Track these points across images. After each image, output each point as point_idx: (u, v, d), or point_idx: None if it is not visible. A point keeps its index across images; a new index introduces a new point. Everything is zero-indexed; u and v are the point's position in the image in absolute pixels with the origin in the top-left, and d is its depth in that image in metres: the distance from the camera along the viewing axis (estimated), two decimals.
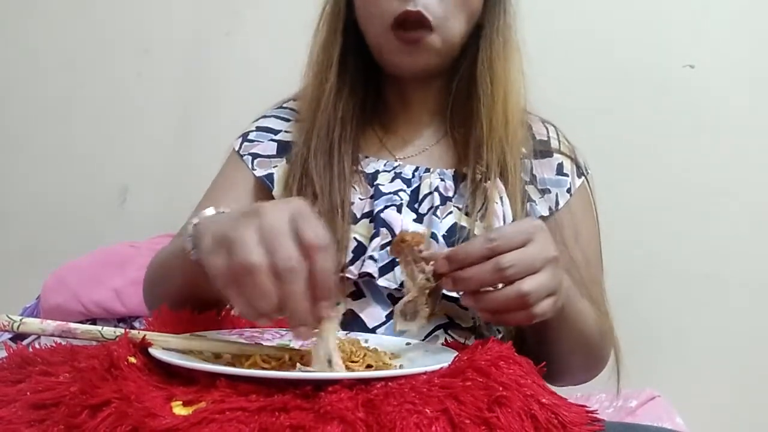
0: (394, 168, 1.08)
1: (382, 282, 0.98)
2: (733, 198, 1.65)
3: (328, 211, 1.01)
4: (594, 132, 1.59)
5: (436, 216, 1.01)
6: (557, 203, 1.08)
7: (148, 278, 1.04)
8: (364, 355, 0.76)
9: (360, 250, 1.00)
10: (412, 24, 1.01)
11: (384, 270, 0.98)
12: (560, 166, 1.11)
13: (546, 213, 1.06)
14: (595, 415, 0.70)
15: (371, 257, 0.98)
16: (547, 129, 1.15)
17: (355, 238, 1.00)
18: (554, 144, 1.13)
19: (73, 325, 0.73)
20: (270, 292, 0.63)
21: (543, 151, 1.11)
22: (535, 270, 0.76)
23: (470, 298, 0.78)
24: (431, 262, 0.79)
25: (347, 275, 0.98)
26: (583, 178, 1.12)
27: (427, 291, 0.80)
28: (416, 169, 1.08)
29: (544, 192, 1.08)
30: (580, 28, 1.71)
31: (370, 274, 0.97)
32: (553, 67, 1.67)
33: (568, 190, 1.09)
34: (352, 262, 0.99)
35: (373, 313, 0.99)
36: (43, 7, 1.94)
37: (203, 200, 1.12)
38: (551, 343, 0.94)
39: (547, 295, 0.77)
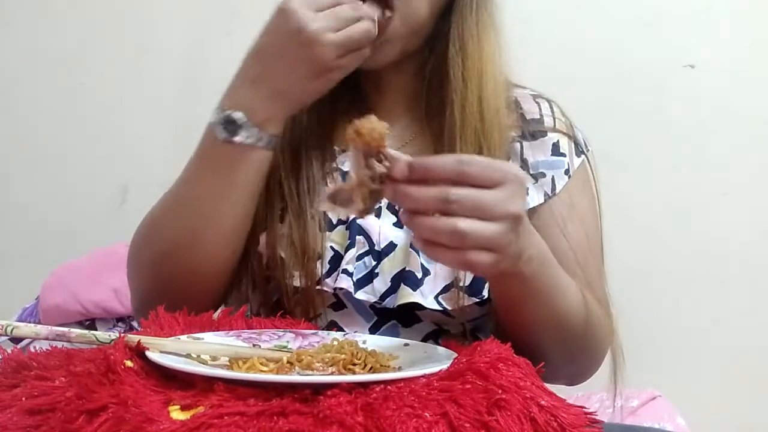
0: None
1: (360, 295, 0.92)
2: (733, 198, 1.64)
3: (298, 215, 0.94)
4: (594, 132, 1.58)
5: None
6: (554, 187, 0.99)
7: (142, 238, 0.98)
8: (365, 357, 0.76)
9: (336, 259, 0.93)
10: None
11: (361, 283, 0.92)
12: (556, 145, 1.01)
13: (541, 200, 0.98)
14: (594, 417, 0.70)
15: (345, 271, 0.92)
16: (539, 106, 1.04)
17: (331, 247, 0.94)
18: (548, 122, 1.02)
19: (67, 329, 0.73)
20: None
21: (535, 131, 1.01)
22: (488, 217, 0.69)
23: (406, 216, 0.72)
24: (385, 162, 0.71)
25: (324, 288, 0.93)
26: (583, 156, 1.03)
27: (368, 189, 0.72)
28: None
29: (537, 176, 0.99)
30: (580, 28, 1.71)
31: (346, 289, 0.92)
32: (553, 66, 1.67)
33: (566, 172, 1.00)
34: (329, 273, 0.93)
35: (355, 325, 0.94)
36: (43, 7, 1.94)
37: None
38: (523, 323, 0.86)
39: (488, 249, 0.70)
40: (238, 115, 0.88)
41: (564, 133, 1.03)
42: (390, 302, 0.92)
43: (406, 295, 0.90)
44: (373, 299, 0.93)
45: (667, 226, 1.67)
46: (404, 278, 0.91)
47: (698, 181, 1.66)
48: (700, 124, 1.66)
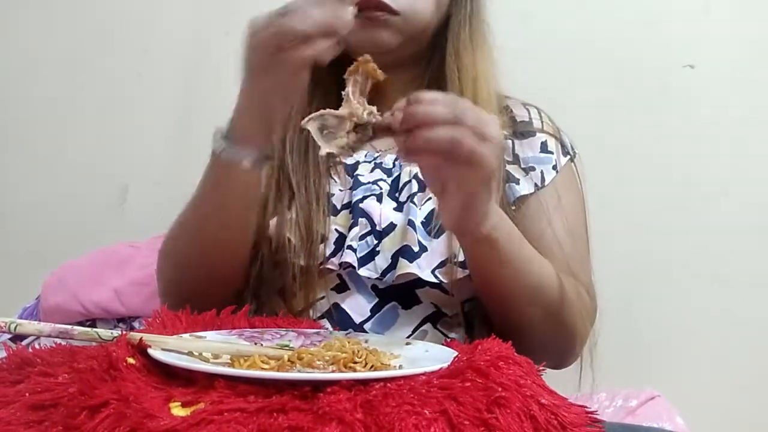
0: (375, 158, 1.08)
1: (363, 272, 0.99)
2: (733, 198, 1.64)
3: (305, 204, 1.02)
4: (594, 132, 1.59)
5: (414, 203, 1.02)
6: (543, 179, 1.07)
7: (165, 247, 1.06)
8: (366, 356, 0.76)
9: (341, 241, 1.01)
10: (373, 8, 1.01)
11: (364, 260, 0.99)
12: (544, 144, 1.10)
13: (531, 190, 1.06)
14: (595, 416, 0.70)
15: (350, 247, 0.99)
16: (528, 111, 1.14)
17: (336, 230, 1.02)
18: (536, 124, 1.12)
19: (69, 327, 0.73)
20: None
21: (525, 131, 1.11)
22: (481, 135, 0.76)
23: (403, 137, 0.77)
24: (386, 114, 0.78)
25: (329, 266, 1.00)
26: (568, 157, 1.12)
27: (355, 122, 0.79)
28: (397, 158, 1.07)
29: (528, 170, 1.08)
30: (580, 28, 1.70)
31: (350, 264, 0.99)
32: (552, 66, 1.67)
33: (554, 167, 1.09)
34: (334, 254, 1.00)
35: (357, 307, 1.00)
36: (43, 6, 1.94)
37: None
38: (500, 293, 0.93)
39: (475, 163, 0.76)
40: (222, 132, 0.93)
41: (551, 135, 1.12)
42: (390, 278, 0.98)
43: (404, 267, 0.97)
44: (375, 275, 0.99)
45: (667, 225, 1.66)
46: (402, 253, 0.98)
47: (698, 181, 1.66)
48: (700, 124, 1.66)
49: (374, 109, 0.79)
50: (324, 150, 0.79)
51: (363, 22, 1.01)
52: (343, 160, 1.08)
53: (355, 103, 0.79)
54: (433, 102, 0.77)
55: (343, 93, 0.81)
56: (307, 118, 0.81)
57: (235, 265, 1.02)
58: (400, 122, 0.76)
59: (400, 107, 0.77)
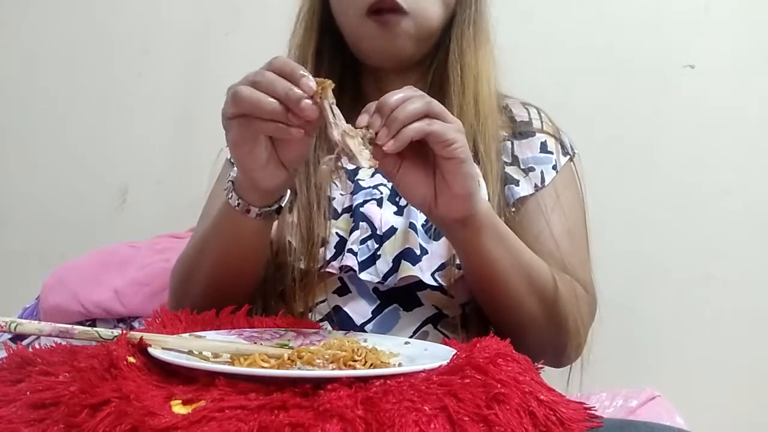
0: None
1: (364, 276, 0.99)
2: (732, 198, 1.64)
3: (306, 206, 1.02)
4: (593, 132, 1.59)
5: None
6: (543, 179, 1.08)
7: (178, 275, 1.06)
8: (365, 354, 0.76)
9: (342, 245, 1.01)
10: (387, 10, 1.03)
11: (365, 264, 0.99)
12: (543, 144, 1.11)
13: (531, 191, 1.07)
14: (593, 412, 0.71)
15: (350, 250, 0.99)
16: (528, 111, 1.15)
17: (337, 233, 1.02)
18: (536, 124, 1.13)
19: (70, 326, 0.73)
20: (259, 93, 0.78)
21: (524, 132, 1.11)
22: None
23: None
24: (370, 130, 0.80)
25: (330, 270, 1.00)
26: (568, 157, 1.12)
27: (370, 137, 0.80)
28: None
29: (528, 171, 1.08)
30: (580, 28, 1.71)
31: (351, 268, 0.99)
32: (552, 66, 1.67)
33: (554, 167, 1.09)
34: (335, 257, 1.00)
35: (359, 309, 1.00)
36: (43, 6, 1.95)
37: (203, 210, 1.13)
38: (494, 279, 0.93)
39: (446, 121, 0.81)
40: (231, 177, 0.92)
41: (551, 135, 1.12)
42: (392, 281, 0.99)
43: (407, 270, 0.97)
44: (376, 279, 0.99)
45: (667, 226, 1.66)
46: (404, 255, 0.98)
47: (698, 181, 1.66)
48: (700, 124, 1.66)
49: (367, 132, 0.80)
50: (366, 164, 0.79)
51: (377, 28, 1.03)
52: (344, 165, 1.08)
53: (348, 125, 0.80)
54: (394, 92, 0.80)
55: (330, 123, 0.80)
56: (325, 166, 0.81)
57: (247, 291, 1.02)
58: (379, 118, 0.79)
59: (369, 112, 0.80)
